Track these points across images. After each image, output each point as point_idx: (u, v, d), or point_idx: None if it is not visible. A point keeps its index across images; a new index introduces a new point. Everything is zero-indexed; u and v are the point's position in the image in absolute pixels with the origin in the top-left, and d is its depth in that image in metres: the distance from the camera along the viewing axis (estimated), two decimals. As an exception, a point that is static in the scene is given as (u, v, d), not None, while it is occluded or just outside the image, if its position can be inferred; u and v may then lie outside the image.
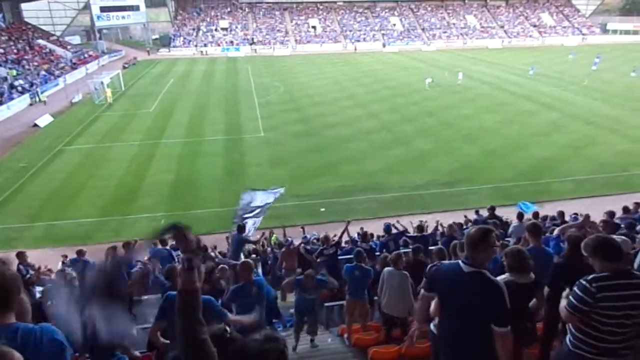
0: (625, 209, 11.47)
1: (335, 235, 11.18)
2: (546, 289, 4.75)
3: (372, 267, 8.25)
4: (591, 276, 3.39)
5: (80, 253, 11.31)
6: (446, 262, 3.77)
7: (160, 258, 11.08)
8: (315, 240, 13.60)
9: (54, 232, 17.94)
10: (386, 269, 6.74)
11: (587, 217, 10.84)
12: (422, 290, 4.30)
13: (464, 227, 12.07)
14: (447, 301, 3.63)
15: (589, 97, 38.62)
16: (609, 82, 44.41)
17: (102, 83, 40.72)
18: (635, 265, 5.06)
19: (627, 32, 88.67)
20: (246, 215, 13.16)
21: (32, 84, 43.19)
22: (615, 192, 19.50)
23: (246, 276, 6.15)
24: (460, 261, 3.55)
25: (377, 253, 10.09)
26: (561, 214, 11.89)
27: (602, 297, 3.25)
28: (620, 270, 3.37)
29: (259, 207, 13.86)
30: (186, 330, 2.20)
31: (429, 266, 6.99)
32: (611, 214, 10.27)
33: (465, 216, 14.50)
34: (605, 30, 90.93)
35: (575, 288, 3.42)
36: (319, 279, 7.40)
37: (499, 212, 12.84)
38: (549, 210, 16.03)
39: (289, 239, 12.37)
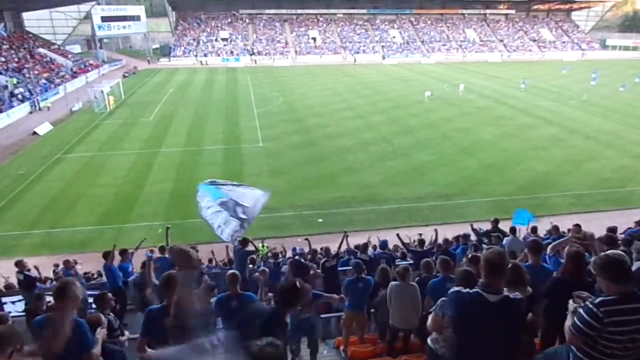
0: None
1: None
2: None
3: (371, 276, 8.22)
4: (598, 300, 3.27)
5: (67, 264, 11.26)
6: (463, 290, 3.59)
7: (160, 267, 11.05)
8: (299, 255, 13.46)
9: (51, 239, 17.88)
10: (393, 282, 6.63)
11: (575, 228, 10.81)
12: (434, 315, 4.31)
13: (461, 242, 12.03)
14: (471, 332, 3.51)
15: (588, 112, 38.84)
16: (608, 97, 44.70)
17: (102, 92, 40.89)
18: None
19: (626, 48, 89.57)
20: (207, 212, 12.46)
21: (32, 92, 43.28)
22: (614, 208, 19.55)
23: (231, 288, 6.11)
24: (479, 290, 3.45)
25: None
26: (556, 228, 11.87)
27: (610, 322, 3.15)
28: (628, 293, 3.25)
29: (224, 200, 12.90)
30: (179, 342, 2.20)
31: (426, 301, 6.89)
32: (612, 230, 10.27)
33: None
34: (604, 46, 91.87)
35: (581, 310, 3.32)
36: (314, 293, 6.82)
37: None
38: (547, 225, 16.01)
39: (299, 248, 12.46)
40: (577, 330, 3.30)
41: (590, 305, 3.26)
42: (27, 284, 10.30)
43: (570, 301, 3.60)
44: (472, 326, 3.48)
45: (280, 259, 11.90)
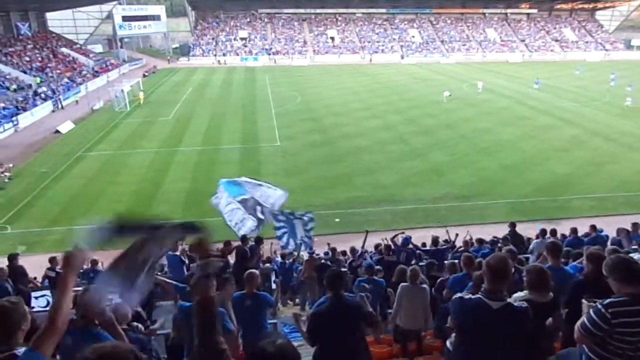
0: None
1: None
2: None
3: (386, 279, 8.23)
4: (607, 301, 3.26)
5: (93, 264, 11.31)
6: (466, 296, 3.57)
7: (171, 264, 11.20)
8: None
9: (72, 236, 18.17)
10: (403, 284, 6.65)
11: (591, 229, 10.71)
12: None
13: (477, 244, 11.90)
14: (473, 338, 3.56)
15: (609, 113, 38.00)
16: (631, 99, 43.55)
17: (122, 91, 41.52)
18: None
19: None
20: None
21: (55, 91, 44.16)
22: (636, 212, 18.99)
23: (247, 287, 6.16)
24: (481, 297, 3.47)
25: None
26: (574, 230, 11.71)
27: (619, 323, 3.14)
28: (639, 294, 3.23)
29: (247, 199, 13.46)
30: (205, 342, 2.21)
31: (445, 293, 6.88)
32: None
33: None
34: (629, 46, 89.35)
35: (591, 311, 3.31)
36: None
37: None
38: (566, 227, 15.75)
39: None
40: (585, 330, 3.29)
41: (600, 306, 3.25)
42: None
43: (584, 300, 3.59)
44: (474, 332, 3.52)
45: (289, 260, 11.99)
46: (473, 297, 3.53)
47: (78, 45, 67.70)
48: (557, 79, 55.27)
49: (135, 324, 5.40)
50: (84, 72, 55.36)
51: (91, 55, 65.29)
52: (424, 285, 6.78)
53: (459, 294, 3.67)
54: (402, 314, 6.60)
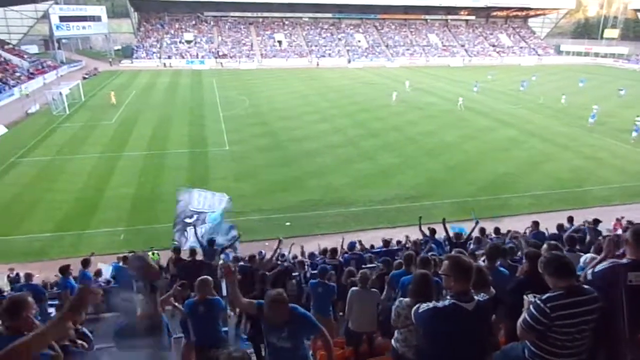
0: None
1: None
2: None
3: (337, 283, 8.27)
4: (545, 296, 3.44)
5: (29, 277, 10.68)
6: (439, 305, 3.53)
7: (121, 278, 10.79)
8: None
9: (6, 248, 17.07)
10: (353, 289, 6.70)
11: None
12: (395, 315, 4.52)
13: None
14: (449, 341, 3.55)
15: (544, 115, 40.29)
16: (559, 101, 46.33)
17: (60, 93, 39.50)
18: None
19: (579, 54, 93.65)
20: (187, 221, 12.80)
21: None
22: (571, 207, 20.25)
23: (200, 293, 6.08)
24: (453, 301, 3.49)
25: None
26: (514, 236, 12.26)
27: (557, 316, 3.32)
28: (573, 287, 3.45)
29: (200, 212, 13.12)
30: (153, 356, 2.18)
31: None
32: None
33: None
34: (559, 52, 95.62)
35: (530, 307, 3.47)
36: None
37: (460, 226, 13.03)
38: (507, 224, 16.54)
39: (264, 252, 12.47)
40: (527, 325, 3.45)
41: (538, 302, 3.42)
42: None
43: (525, 297, 3.73)
44: (451, 336, 3.54)
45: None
46: (447, 304, 3.53)
47: (10, 46, 63.73)
48: (494, 83, 58.02)
49: (80, 342, 5.16)
50: (17, 74, 52.23)
51: (25, 56, 61.66)
52: (374, 289, 6.86)
53: (432, 304, 3.61)
54: (353, 317, 6.66)
